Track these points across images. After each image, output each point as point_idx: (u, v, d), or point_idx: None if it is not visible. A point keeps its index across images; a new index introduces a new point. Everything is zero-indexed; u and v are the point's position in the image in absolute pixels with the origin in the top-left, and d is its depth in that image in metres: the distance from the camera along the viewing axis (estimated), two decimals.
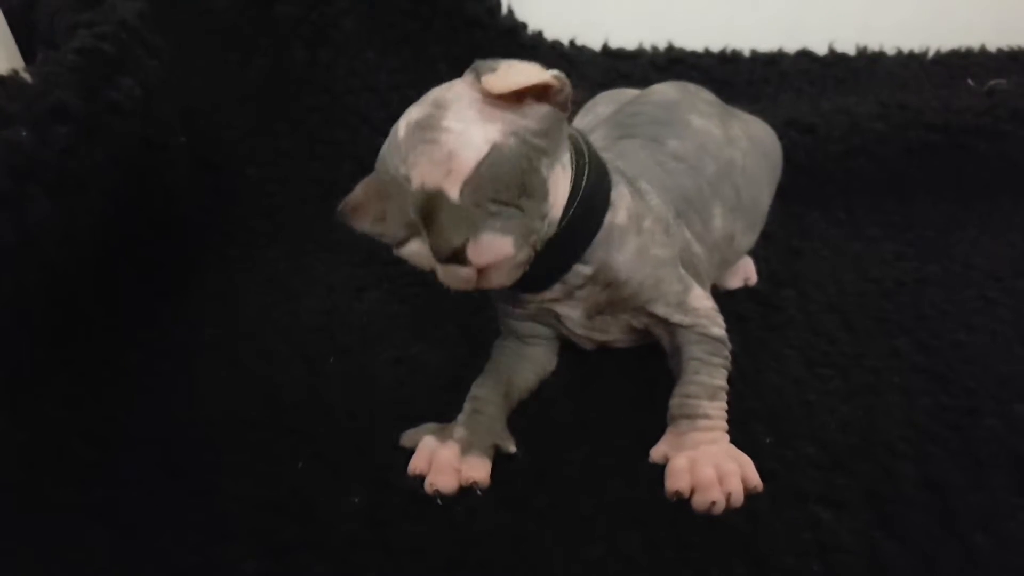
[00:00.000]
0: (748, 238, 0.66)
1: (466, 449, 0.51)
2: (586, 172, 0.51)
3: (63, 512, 0.48)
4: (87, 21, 0.61)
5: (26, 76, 0.55)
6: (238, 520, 0.48)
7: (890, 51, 1.05)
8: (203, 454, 0.53)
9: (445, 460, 0.50)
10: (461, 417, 0.53)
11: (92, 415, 0.56)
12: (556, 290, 0.54)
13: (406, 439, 0.53)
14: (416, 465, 0.51)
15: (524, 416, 0.56)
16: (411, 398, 0.58)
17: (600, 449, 0.53)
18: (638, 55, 1.05)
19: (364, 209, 0.52)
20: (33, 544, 0.47)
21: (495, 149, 0.46)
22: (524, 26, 1.04)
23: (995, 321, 0.66)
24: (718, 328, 0.56)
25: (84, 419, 0.55)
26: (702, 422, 0.51)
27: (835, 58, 1.05)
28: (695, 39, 1.06)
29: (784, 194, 0.82)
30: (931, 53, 1.05)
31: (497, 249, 0.47)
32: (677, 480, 0.48)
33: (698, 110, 0.64)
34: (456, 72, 1.04)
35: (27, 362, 0.55)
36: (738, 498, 0.48)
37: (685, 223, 0.58)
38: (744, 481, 0.49)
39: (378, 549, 0.46)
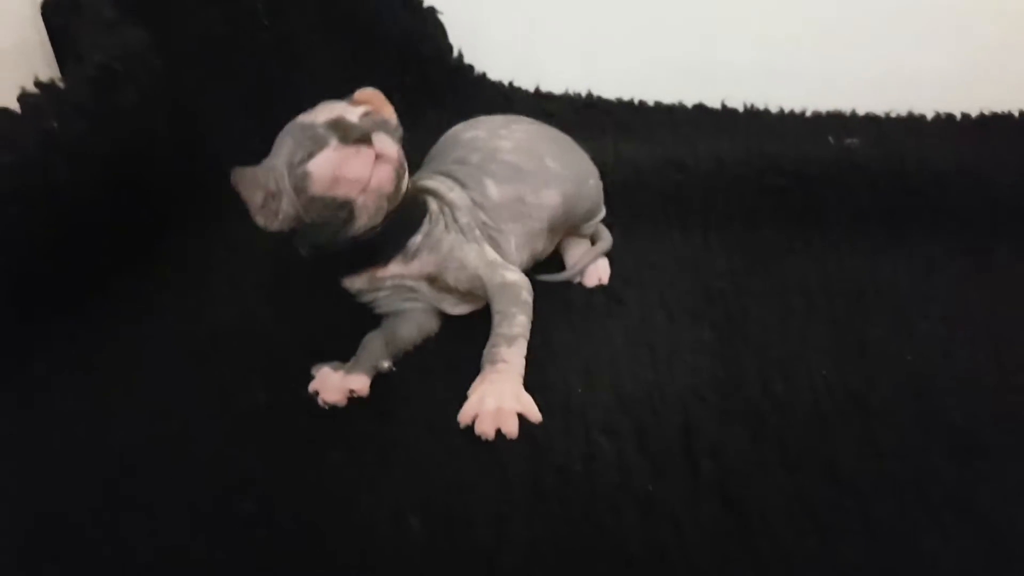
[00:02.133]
0: (548, 194, 0.82)
1: (350, 370, 0.70)
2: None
3: None
4: (104, 43, 0.81)
5: (60, 83, 0.76)
6: None
7: (773, 109, 1.26)
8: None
9: (333, 380, 0.70)
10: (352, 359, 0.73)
11: None
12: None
13: (313, 370, 0.72)
14: (313, 386, 0.70)
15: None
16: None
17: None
18: (562, 98, 1.27)
19: (255, 184, 0.69)
20: None
21: (369, 111, 0.70)
22: (471, 68, 1.25)
23: (789, 323, 0.84)
24: (511, 274, 0.76)
25: None
26: (500, 365, 0.70)
27: (724, 112, 1.25)
28: (610, 89, 1.28)
29: (655, 219, 1.03)
30: (808, 112, 1.26)
31: (390, 147, 0.69)
32: (464, 414, 0.67)
33: (472, 127, 0.86)
34: (408, 93, 1.24)
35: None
36: (511, 430, 0.66)
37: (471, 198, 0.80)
38: (525, 415, 0.67)
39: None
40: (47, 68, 0.91)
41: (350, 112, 0.70)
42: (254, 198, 0.69)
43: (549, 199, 0.82)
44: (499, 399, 0.67)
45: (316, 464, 0.64)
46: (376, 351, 0.73)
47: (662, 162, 1.07)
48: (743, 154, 1.08)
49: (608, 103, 1.27)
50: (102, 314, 0.79)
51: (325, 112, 0.70)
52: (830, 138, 1.15)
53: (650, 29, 1.27)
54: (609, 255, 0.93)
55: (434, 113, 1.15)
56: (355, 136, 0.67)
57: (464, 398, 0.69)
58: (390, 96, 0.76)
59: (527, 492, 0.62)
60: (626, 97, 1.27)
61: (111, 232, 0.81)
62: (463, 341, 0.78)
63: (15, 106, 0.73)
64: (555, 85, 1.28)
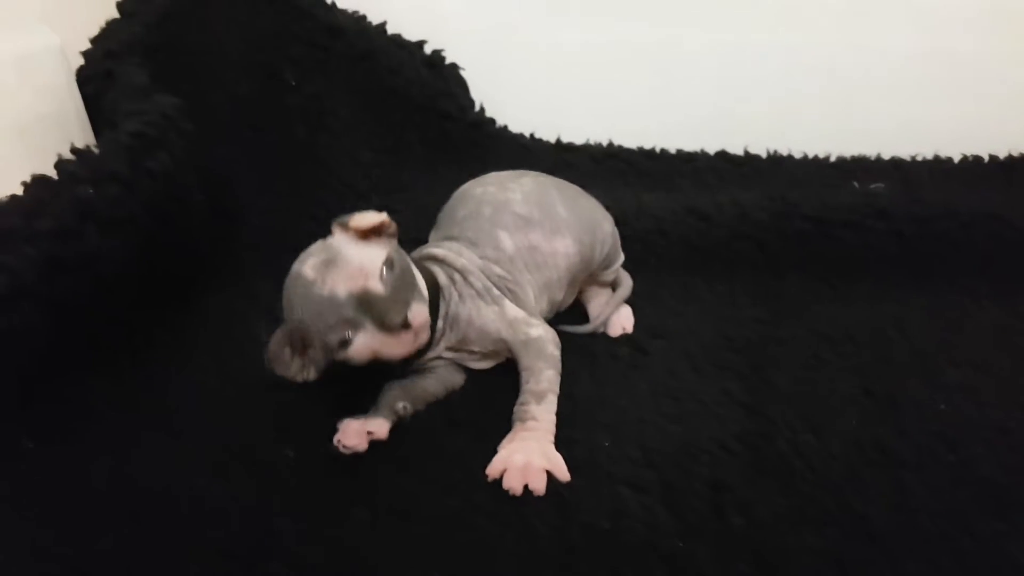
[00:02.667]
0: (562, 242, 0.84)
1: (369, 416, 0.71)
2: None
3: None
4: (137, 111, 0.84)
5: (95, 150, 0.78)
6: None
7: (797, 155, 1.26)
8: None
9: (353, 426, 0.70)
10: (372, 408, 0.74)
11: None
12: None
13: (338, 424, 0.72)
14: (336, 436, 0.70)
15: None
16: None
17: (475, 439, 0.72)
18: (582, 149, 1.28)
19: (282, 351, 0.69)
20: None
21: (388, 257, 0.68)
22: (492, 121, 1.27)
23: (817, 373, 0.83)
24: (535, 329, 0.76)
25: None
26: (530, 423, 0.70)
27: (747, 159, 1.26)
28: (630, 139, 1.29)
29: (678, 268, 1.03)
30: (832, 158, 1.26)
31: (424, 315, 0.69)
32: (492, 468, 0.67)
33: (482, 183, 0.86)
34: (428, 149, 1.27)
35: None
36: (538, 487, 0.65)
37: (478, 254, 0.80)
38: (554, 473, 0.67)
39: None
40: (83, 135, 0.94)
41: (369, 272, 0.66)
42: (281, 357, 0.69)
43: (563, 247, 0.83)
44: (528, 455, 0.67)
45: (341, 521, 0.64)
46: (394, 397, 0.74)
47: (684, 211, 1.07)
48: (766, 201, 1.08)
49: (629, 152, 1.28)
50: (130, 371, 0.80)
51: (342, 278, 0.66)
52: (855, 183, 1.16)
53: (669, 77, 1.29)
54: (633, 304, 0.93)
55: (456, 166, 1.18)
56: (393, 325, 0.66)
57: (490, 453, 0.69)
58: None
59: (553, 549, 0.62)
60: (647, 146, 1.29)
61: (140, 291, 0.83)
62: (488, 394, 0.78)
63: (52, 173, 0.76)
64: (575, 135, 1.30)
